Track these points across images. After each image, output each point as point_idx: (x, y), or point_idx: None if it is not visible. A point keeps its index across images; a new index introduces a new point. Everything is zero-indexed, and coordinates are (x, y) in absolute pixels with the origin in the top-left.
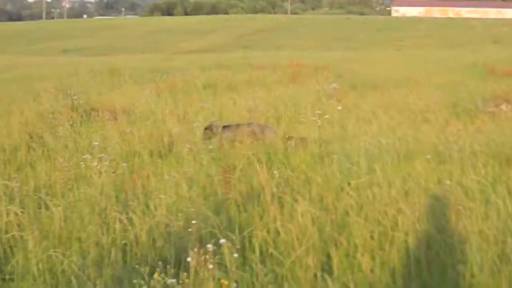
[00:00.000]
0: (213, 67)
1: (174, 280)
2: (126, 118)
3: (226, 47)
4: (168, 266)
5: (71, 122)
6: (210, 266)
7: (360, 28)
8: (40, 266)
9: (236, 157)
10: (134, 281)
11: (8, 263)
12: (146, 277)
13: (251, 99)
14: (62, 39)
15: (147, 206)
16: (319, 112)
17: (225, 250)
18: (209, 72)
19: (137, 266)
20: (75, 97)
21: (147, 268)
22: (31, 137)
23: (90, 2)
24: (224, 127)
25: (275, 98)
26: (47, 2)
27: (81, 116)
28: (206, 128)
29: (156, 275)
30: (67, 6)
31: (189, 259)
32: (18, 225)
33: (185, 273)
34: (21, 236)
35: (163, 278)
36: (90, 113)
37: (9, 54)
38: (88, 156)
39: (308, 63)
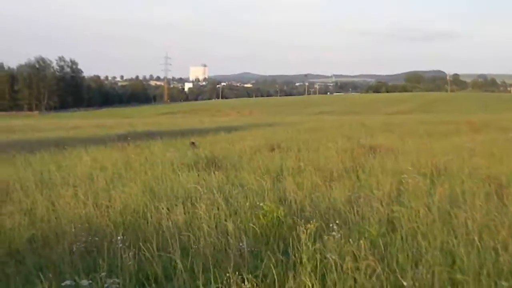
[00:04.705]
0: (412, 123)
1: None
2: (391, 152)
3: (411, 111)
4: None
5: (367, 155)
6: None
7: None
8: None
9: None
10: None
11: None
12: None
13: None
14: (318, 106)
15: None
16: None
17: None
18: (422, 125)
19: None
20: (359, 139)
21: None
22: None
23: (331, 85)
24: None
25: None
26: (307, 85)
27: (369, 151)
28: None
29: None
30: (317, 87)
31: None
32: None
33: None
34: None
35: None
36: (374, 150)
37: (290, 115)
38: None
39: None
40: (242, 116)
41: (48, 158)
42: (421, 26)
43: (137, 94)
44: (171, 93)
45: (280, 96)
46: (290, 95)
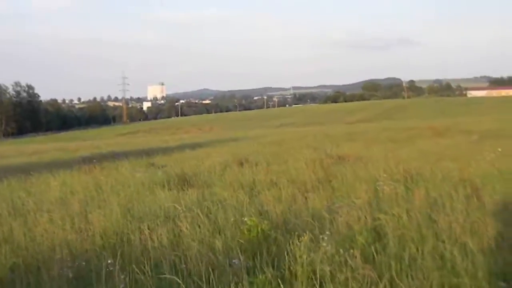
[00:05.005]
0: (375, 131)
1: None
2: (359, 160)
3: (371, 119)
4: None
5: (337, 165)
6: None
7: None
8: None
9: None
10: None
11: None
12: None
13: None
14: (278, 118)
15: None
16: None
17: None
18: (385, 132)
19: None
20: (326, 150)
21: None
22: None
23: (289, 97)
24: None
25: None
26: (264, 99)
27: (338, 160)
28: None
29: None
30: (276, 100)
31: None
32: None
33: None
34: None
35: None
36: (343, 159)
37: (251, 129)
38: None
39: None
40: (203, 133)
41: (15, 185)
42: (378, 35)
43: (95, 116)
44: (130, 113)
45: (239, 110)
46: (249, 109)
